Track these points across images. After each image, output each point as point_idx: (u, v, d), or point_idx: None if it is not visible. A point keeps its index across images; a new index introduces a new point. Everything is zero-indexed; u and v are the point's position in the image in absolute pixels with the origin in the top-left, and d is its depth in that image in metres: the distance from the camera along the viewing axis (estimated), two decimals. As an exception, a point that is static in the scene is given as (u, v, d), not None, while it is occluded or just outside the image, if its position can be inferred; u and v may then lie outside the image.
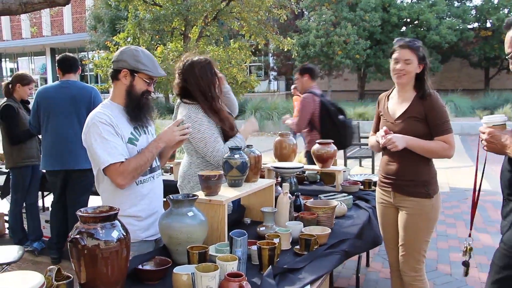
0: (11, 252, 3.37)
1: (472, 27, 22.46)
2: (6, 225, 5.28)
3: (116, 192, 2.23)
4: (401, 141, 2.58)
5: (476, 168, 2.38)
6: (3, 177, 5.12)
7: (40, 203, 5.50)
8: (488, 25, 22.25)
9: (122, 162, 2.14)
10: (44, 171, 4.46)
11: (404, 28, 21.83)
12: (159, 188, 2.44)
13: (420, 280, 2.78)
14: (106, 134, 2.15)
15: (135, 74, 2.24)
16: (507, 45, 1.96)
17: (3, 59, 35.01)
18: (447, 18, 21.43)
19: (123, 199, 2.23)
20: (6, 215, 5.20)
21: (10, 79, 4.81)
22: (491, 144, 1.96)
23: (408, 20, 21.55)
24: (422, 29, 20.97)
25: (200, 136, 2.71)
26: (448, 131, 2.61)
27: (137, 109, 2.28)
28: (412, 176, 2.67)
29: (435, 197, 2.69)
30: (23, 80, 4.66)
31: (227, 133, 2.82)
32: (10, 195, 4.84)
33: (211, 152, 2.70)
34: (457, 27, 20.46)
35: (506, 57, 1.97)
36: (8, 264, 3.31)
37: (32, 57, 33.72)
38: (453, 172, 8.48)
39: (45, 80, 31.37)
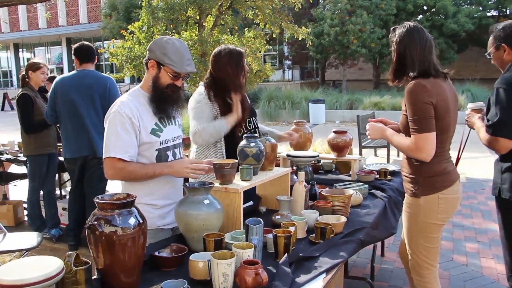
0: (30, 238, 3.44)
1: (490, 14, 22.03)
2: (25, 212, 5.37)
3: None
4: (376, 132, 2.58)
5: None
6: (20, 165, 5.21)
7: (57, 191, 5.59)
8: (508, 12, 21.80)
9: (123, 160, 2.15)
10: (62, 159, 4.52)
11: (420, 17, 21.50)
12: (179, 179, 2.44)
13: (424, 287, 2.58)
14: (120, 126, 2.16)
15: (162, 66, 2.24)
16: (488, 46, 2.78)
17: (20, 49, 35.36)
18: (465, 6, 21.04)
19: (141, 187, 2.26)
20: (25, 202, 5.28)
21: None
22: (468, 122, 2.87)
23: (425, 8, 21.21)
24: (439, 17, 20.63)
25: (190, 113, 2.89)
26: (415, 131, 2.32)
27: (160, 101, 2.27)
28: (406, 171, 2.55)
29: (423, 198, 2.45)
30: (33, 66, 4.74)
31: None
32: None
33: (191, 131, 2.85)
34: (475, 15, 20.08)
35: (486, 54, 2.79)
36: (27, 250, 3.38)
37: (49, 47, 34.01)
38: (470, 163, 8.38)
39: (61, 70, 31.64)
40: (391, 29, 2.52)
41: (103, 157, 2.19)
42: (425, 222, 2.48)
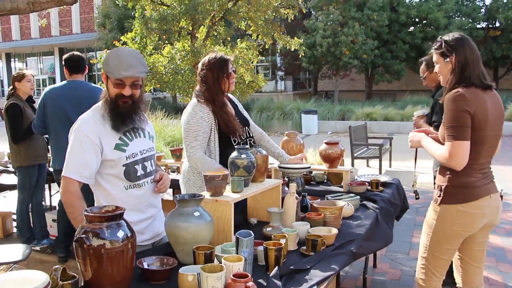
0: (18, 251, 3.39)
1: (481, 26, 22.33)
2: (14, 224, 5.31)
3: (107, 196, 2.23)
4: (415, 140, 2.61)
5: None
6: (9, 176, 5.15)
7: (47, 202, 5.53)
8: (497, 24, 22.10)
9: (77, 181, 2.12)
10: (51, 169, 4.48)
11: (412, 28, 21.72)
12: (152, 192, 2.36)
13: None
14: (77, 145, 2.14)
15: (108, 77, 2.20)
16: (422, 71, 3.96)
17: (12, 59, 35.26)
18: (456, 18, 21.30)
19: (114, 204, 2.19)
20: (14, 214, 5.23)
21: None
22: (416, 125, 3.83)
23: (417, 19, 21.45)
24: (430, 28, 20.86)
25: (185, 127, 2.90)
26: (450, 138, 2.30)
27: (112, 114, 2.19)
28: (437, 178, 2.54)
29: (442, 207, 2.44)
30: (17, 77, 4.75)
31: (227, 133, 2.93)
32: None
33: (187, 146, 2.87)
34: (466, 27, 20.34)
35: (421, 78, 3.99)
36: (15, 263, 3.33)
37: (41, 57, 33.94)
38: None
39: (54, 80, 31.58)
40: (438, 38, 2.49)
41: (62, 173, 2.17)
42: (439, 231, 2.47)
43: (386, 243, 2.88)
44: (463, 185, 2.39)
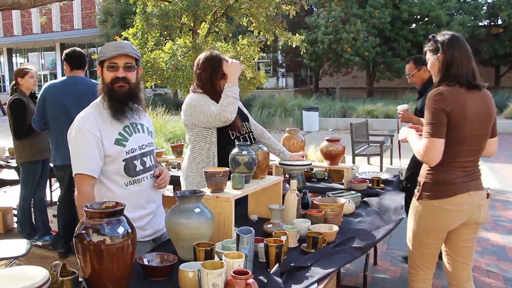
0: (19, 246, 3.39)
1: (483, 24, 22.27)
2: (15, 219, 5.31)
3: (107, 192, 2.22)
4: (403, 134, 2.62)
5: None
6: (10, 171, 5.15)
7: (48, 197, 5.53)
8: (500, 22, 22.04)
9: (92, 176, 2.13)
10: (52, 165, 4.47)
11: (414, 25, 21.67)
12: (152, 187, 2.36)
13: (410, 285, 2.65)
14: (80, 141, 2.15)
15: (103, 67, 2.23)
16: (410, 69, 4.19)
17: (13, 54, 35.24)
18: (458, 16, 21.25)
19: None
20: (14, 209, 5.23)
21: None
22: (404, 118, 4.15)
23: (418, 17, 21.41)
24: (432, 26, 20.81)
25: (192, 110, 2.88)
26: (425, 135, 2.33)
27: (110, 101, 2.20)
28: (420, 174, 2.55)
29: (420, 202, 2.46)
30: (20, 72, 4.73)
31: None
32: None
33: (207, 116, 2.83)
34: (468, 24, 20.29)
35: (407, 75, 4.26)
36: (15, 258, 3.33)
37: (42, 52, 33.92)
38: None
39: (55, 75, 31.58)
40: (430, 36, 2.51)
41: (73, 173, 2.17)
42: (418, 226, 2.51)
43: (399, 219, 2.84)
44: (440, 182, 2.40)
